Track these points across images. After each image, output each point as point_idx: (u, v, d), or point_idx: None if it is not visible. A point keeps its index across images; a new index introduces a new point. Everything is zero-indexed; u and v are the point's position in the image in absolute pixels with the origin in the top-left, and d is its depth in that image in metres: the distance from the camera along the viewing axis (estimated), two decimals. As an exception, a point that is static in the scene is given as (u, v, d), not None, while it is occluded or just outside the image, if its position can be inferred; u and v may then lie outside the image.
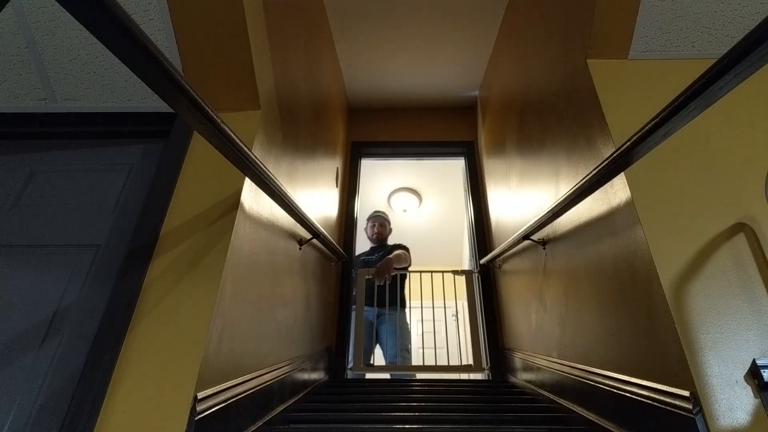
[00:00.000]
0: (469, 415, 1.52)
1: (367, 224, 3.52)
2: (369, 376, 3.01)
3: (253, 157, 1.07)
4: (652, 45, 1.44)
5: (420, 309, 3.80)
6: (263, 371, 1.36)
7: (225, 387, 1.08)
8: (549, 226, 1.75)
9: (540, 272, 1.91)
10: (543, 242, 1.86)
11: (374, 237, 3.43)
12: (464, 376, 3.22)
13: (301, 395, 1.83)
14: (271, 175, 1.22)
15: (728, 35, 1.43)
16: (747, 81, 0.68)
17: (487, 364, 2.76)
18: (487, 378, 2.74)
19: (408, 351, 2.97)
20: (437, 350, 3.21)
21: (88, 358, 0.99)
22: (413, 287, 3.24)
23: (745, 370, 0.90)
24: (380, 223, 3.45)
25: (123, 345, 1.00)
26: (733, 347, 0.93)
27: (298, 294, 1.92)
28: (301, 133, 2.12)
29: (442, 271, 3.28)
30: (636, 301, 1.11)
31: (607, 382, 1.21)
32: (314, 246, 2.22)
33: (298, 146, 2.04)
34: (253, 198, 1.35)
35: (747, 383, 0.88)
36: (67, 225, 1.29)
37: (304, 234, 1.97)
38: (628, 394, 1.09)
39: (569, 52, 1.62)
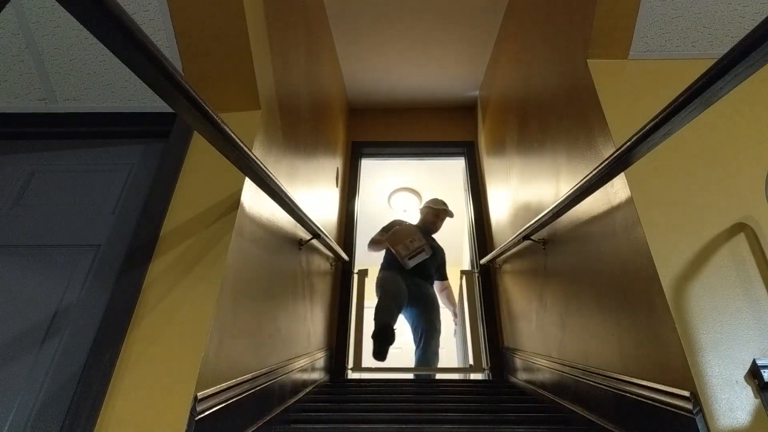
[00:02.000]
0: (469, 415, 1.52)
1: (428, 209, 3.32)
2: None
3: (253, 157, 1.07)
4: (652, 45, 1.44)
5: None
6: (263, 371, 1.36)
7: (225, 387, 1.08)
8: (549, 226, 1.75)
9: (540, 272, 1.91)
10: (543, 242, 1.85)
11: (429, 225, 3.28)
12: (464, 376, 3.23)
13: (301, 395, 1.83)
14: (271, 175, 1.22)
15: (728, 35, 1.42)
16: (747, 81, 0.68)
17: (487, 365, 2.76)
18: (487, 378, 2.74)
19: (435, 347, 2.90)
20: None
21: (88, 358, 0.99)
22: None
23: (746, 370, 0.90)
24: (443, 219, 3.32)
25: (123, 345, 1.00)
26: (734, 347, 0.93)
27: (298, 294, 1.92)
28: (301, 133, 2.12)
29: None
30: (636, 301, 1.11)
31: (607, 382, 1.21)
32: (314, 246, 2.22)
33: (299, 146, 2.04)
34: (253, 198, 1.35)
35: (747, 383, 0.88)
36: (67, 225, 1.29)
37: (305, 234, 1.97)
38: (628, 394, 1.09)
39: (569, 53, 1.62)
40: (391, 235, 2.94)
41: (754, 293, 0.99)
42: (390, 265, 3.04)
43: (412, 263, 2.70)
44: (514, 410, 1.63)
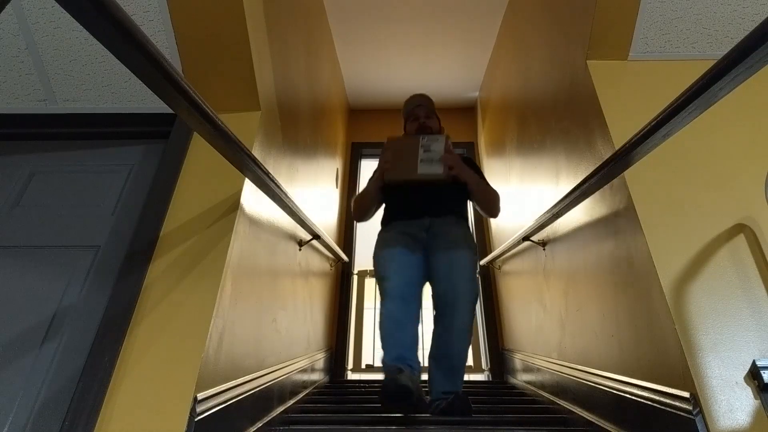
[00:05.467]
0: (469, 416, 1.51)
1: (408, 118, 2.03)
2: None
3: (253, 157, 1.07)
4: (652, 46, 1.44)
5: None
6: (263, 372, 1.36)
7: (225, 388, 1.08)
8: (549, 227, 1.75)
9: (540, 273, 1.91)
10: (543, 243, 1.85)
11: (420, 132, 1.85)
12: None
13: (300, 396, 1.82)
14: (271, 176, 1.22)
15: (728, 36, 1.43)
16: (747, 82, 0.68)
17: (486, 365, 2.76)
18: (486, 379, 2.74)
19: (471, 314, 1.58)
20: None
21: (88, 358, 0.99)
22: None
23: (745, 371, 0.90)
24: (426, 114, 1.95)
25: (123, 345, 1.00)
26: (733, 348, 0.92)
27: (298, 295, 1.92)
28: (301, 134, 2.12)
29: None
30: (636, 302, 1.11)
31: (606, 383, 1.21)
32: (314, 247, 2.22)
33: (298, 147, 2.04)
34: (253, 199, 1.35)
35: (747, 384, 0.88)
36: (67, 226, 1.29)
37: (304, 235, 1.97)
38: (628, 396, 1.09)
39: (569, 53, 1.62)
40: (384, 166, 1.72)
41: (753, 294, 0.99)
42: (392, 216, 1.76)
43: (423, 169, 1.60)
44: (514, 411, 1.63)
